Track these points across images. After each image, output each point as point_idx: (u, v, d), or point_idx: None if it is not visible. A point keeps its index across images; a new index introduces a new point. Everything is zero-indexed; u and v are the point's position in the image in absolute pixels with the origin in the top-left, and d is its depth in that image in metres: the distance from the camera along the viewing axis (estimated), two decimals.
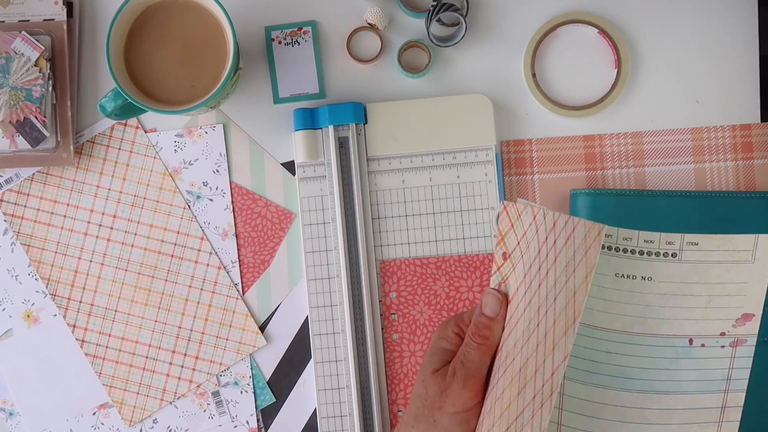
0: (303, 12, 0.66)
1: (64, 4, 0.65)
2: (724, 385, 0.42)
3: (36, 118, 0.63)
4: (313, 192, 0.65)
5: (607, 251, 0.40)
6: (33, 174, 0.66)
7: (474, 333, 0.46)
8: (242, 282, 0.66)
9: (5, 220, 0.66)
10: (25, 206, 0.66)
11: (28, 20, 0.65)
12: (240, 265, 0.66)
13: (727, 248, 0.40)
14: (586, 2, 0.66)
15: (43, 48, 0.63)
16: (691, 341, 0.41)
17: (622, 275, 0.40)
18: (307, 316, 0.65)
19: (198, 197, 0.66)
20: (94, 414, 0.66)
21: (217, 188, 0.66)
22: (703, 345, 0.41)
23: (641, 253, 0.40)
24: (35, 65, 0.63)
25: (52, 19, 0.65)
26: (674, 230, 0.64)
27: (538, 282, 0.41)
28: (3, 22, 0.65)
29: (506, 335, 0.44)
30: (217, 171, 0.66)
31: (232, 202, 0.66)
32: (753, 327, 0.41)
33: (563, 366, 0.37)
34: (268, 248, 0.66)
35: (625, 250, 0.40)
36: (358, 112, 0.64)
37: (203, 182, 0.66)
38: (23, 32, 0.63)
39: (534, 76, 0.65)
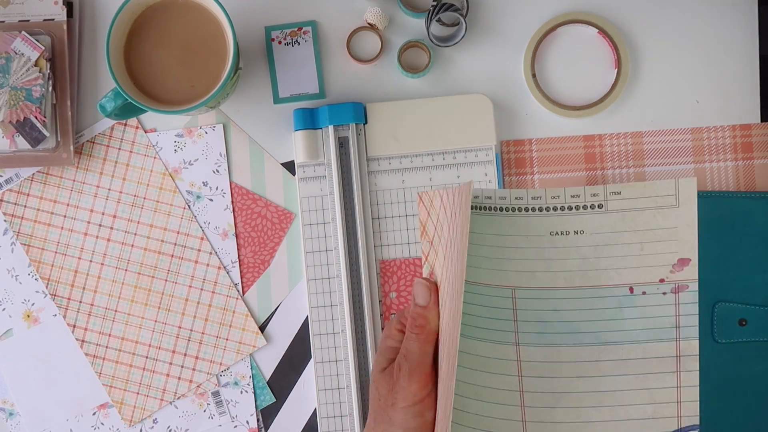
0: (303, 12, 0.66)
1: (64, 4, 0.65)
2: (674, 333, 0.42)
3: (36, 118, 0.63)
4: (313, 192, 0.65)
5: (539, 212, 0.42)
6: (33, 174, 0.66)
7: (411, 325, 0.46)
8: (242, 282, 0.66)
9: (5, 220, 0.66)
10: (25, 206, 0.66)
11: (28, 20, 0.65)
12: (240, 265, 0.66)
13: (650, 194, 0.42)
14: (586, 2, 0.66)
15: (43, 48, 0.63)
16: (631, 289, 0.42)
17: (556, 233, 0.42)
18: (307, 316, 0.65)
19: (198, 197, 0.66)
20: (94, 414, 0.66)
21: (217, 188, 0.66)
22: (644, 293, 0.42)
23: (569, 208, 0.42)
24: (35, 65, 0.63)
25: (52, 19, 0.65)
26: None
27: (450, 259, 0.42)
28: (3, 22, 0.65)
29: (442, 320, 0.44)
30: (217, 171, 0.66)
31: (232, 202, 0.66)
32: (691, 272, 0.41)
33: (458, 327, 0.39)
34: (268, 248, 0.66)
35: (555, 208, 0.42)
36: (358, 112, 0.64)
37: (203, 182, 0.66)
38: (23, 32, 0.63)
39: (534, 76, 0.65)
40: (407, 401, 0.45)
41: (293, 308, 0.66)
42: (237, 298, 0.65)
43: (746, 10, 0.65)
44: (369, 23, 0.65)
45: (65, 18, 0.65)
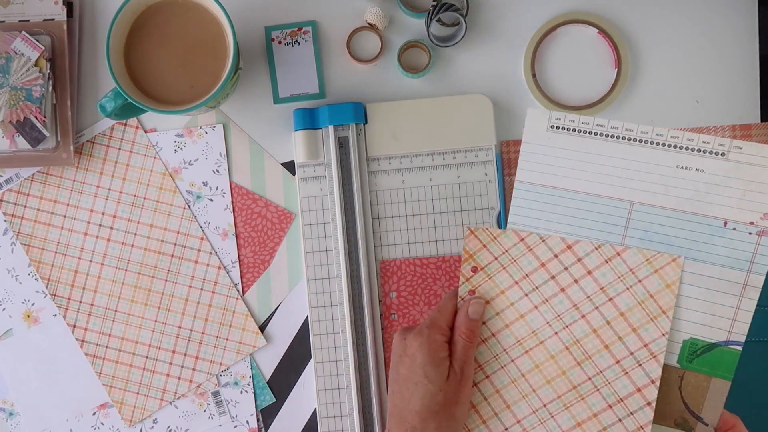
0: (303, 12, 0.66)
1: (64, 4, 0.65)
2: (748, 266, 0.52)
3: (36, 118, 0.63)
4: (313, 192, 0.65)
5: (672, 148, 0.53)
6: (33, 174, 0.66)
7: (467, 336, 0.54)
8: (242, 282, 0.66)
9: (5, 220, 0.66)
10: (25, 206, 0.66)
11: (28, 20, 0.65)
12: (240, 265, 0.66)
13: (765, 154, 0.52)
14: (586, 2, 0.66)
15: (43, 48, 0.63)
16: (725, 223, 0.53)
17: (682, 167, 0.53)
18: (307, 316, 0.65)
19: (198, 197, 0.66)
20: (94, 414, 0.66)
21: (217, 188, 0.66)
22: (734, 228, 0.52)
23: (698, 150, 0.53)
24: (35, 65, 0.63)
25: (52, 19, 0.65)
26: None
27: (555, 289, 0.55)
28: (3, 22, 0.65)
29: (495, 329, 0.57)
30: (217, 171, 0.66)
31: (232, 202, 0.66)
32: None
33: (665, 337, 0.53)
34: (268, 248, 0.66)
35: (686, 148, 0.53)
36: (358, 112, 0.64)
37: (203, 182, 0.66)
38: (23, 32, 0.63)
39: (534, 76, 0.65)
40: (469, 399, 0.55)
41: (293, 308, 0.66)
42: (237, 298, 0.65)
43: (746, 10, 0.65)
44: (369, 23, 0.65)
45: (65, 18, 0.65)
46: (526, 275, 0.55)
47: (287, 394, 0.65)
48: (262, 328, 0.66)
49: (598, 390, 0.54)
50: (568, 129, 0.55)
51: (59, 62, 0.64)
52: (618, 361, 0.53)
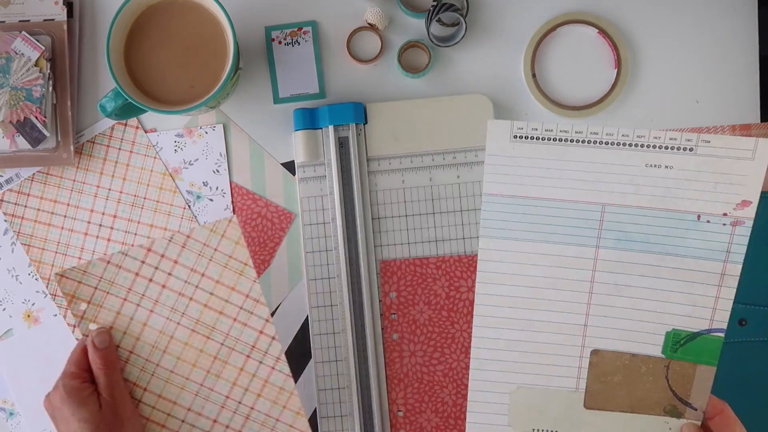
0: (303, 12, 0.66)
1: (64, 4, 0.65)
2: (724, 256, 0.53)
3: (36, 118, 0.63)
4: (313, 192, 0.65)
5: (639, 148, 0.53)
6: (33, 174, 0.66)
7: (104, 364, 0.57)
8: None
9: (5, 220, 0.66)
10: (25, 206, 0.66)
11: (28, 20, 0.65)
12: None
13: (732, 146, 0.52)
14: (586, 2, 0.66)
15: (43, 48, 0.63)
16: (699, 217, 0.53)
17: (651, 165, 0.53)
18: (307, 316, 0.65)
19: (198, 197, 0.66)
20: None
21: (217, 188, 0.66)
22: (708, 221, 0.53)
23: (666, 147, 0.53)
24: (35, 65, 0.63)
25: (52, 19, 0.65)
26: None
27: (158, 288, 0.59)
28: (3, 22, 0.65)
29: (130, 346, 0.60)
30: (217, 171, 0.66)
31: (232, 202, 0.66)
32: (750, 212, 0.52)
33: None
34: (268, 248, 0.66)
35: (654, 146, 0.53)
36: (358, 112, 0.64)
37: (203, 182, 0.66)
38: (23, 32, 0.63)
39: (534, 76, 0.65)
40: (132, 415, 0.58)
41: (293, 308, 0.66)
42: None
43: (746, 11, 0.65)
44: (369, 23, 0.65)
45: (65, 18, 0.65)
46: (129, 289, 0.60)
47: None
48: None
49: (232, 349, 0.60)
50: (532, 138, 0.54)
51: (59, 62, 0.64)
52: (235, 319, 0.60)
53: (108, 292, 0.60)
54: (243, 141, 0.66)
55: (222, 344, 0.60)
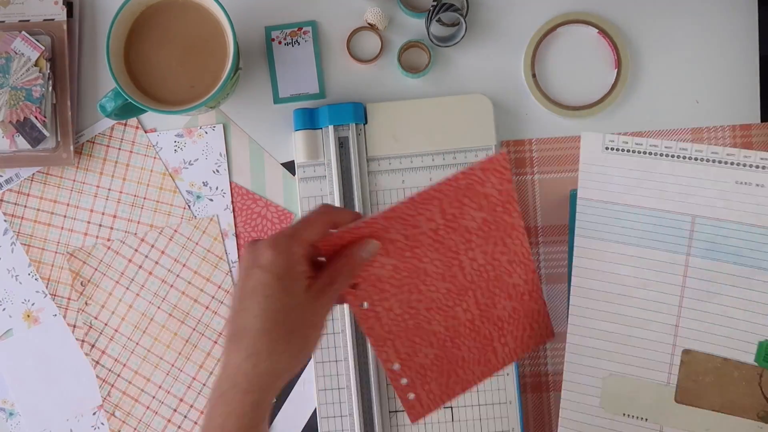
0: (303, 12, 0.66)
1: (64, 4, 0.65)
2: None
3: (36, 118, 0.63)
4: (313, 192, 0.65)
5: (730, 165, 0.56)
6: (33, 174, 0.66)
7: (351, 271, 0.48)
8: None
9: (5, 220, 0.66)
10: (25, 206, 0.66)
11: (28, 20, 0.65)
12: None
13: None
14: (586, 2, 0.66)
15: (43, 48, 0.63)
16: None
17: (742, 182, 0.56)
18: None
19: (198, 197, 0.66)
20: (94, 414, 0.66)
21: (217, 188, 0.66)
22: None
23: (756, 167, 0.56)
24: (35, 65, 0.63)
25: (52, 19, 0.65)
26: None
27: (146, 275, 0.64)
28: (3, 22, 0.65)
29: (115, 325, 0.65)
30: (217, 171, 0.66)
31: (232, 202, 0.66)
32: None
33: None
34: None
35: (744, 165, 0.56)
36: (358, 112, 0.64)
37: (203, 182, 0.66)
38: (23, 32, 0.63)
39: (534, 76, 0.65)
40: (324, 323, 0.48)
41: None
42: None
43: (746, 10, 0.65)
44: (369, 23, 0.65)
45: (65, 18, 0.65)
46: (122, 273, 0.65)
47: (287, 394, 0.65)
48: None
49: (202, 335, 0.65)
50: (623, 150, 0.58)
51: (59, 62, 0.64)
52: (207, 307, 0.65)
53: (105, 274, 0.65)
54: (243, 141, 0.66)
55: (194, 329, 0.65)
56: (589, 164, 0.59)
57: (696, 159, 0.57)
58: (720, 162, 0.56)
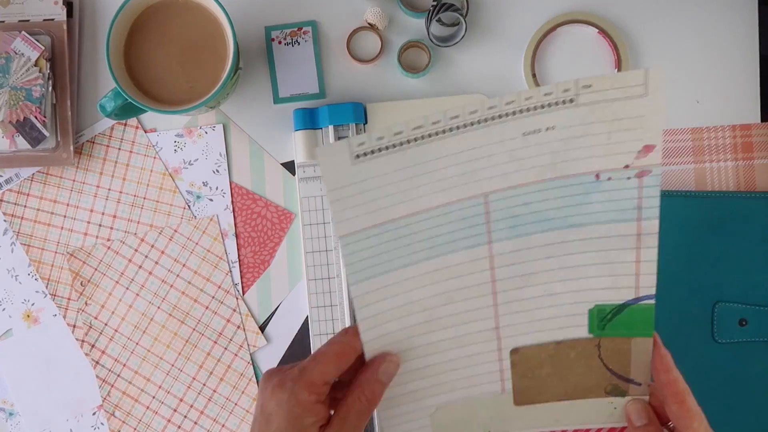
0: (303, 12, 0.66)
1: (64, 4, 0.65)
2: (636, 213, 0.46)
3: (36, 118, 0.63)
4: (313, 192, 0.65)
5: (513, 116, 0.44)
6: (33, 174, 0.66)
7: (370, 398, 0.45)
8: (242, 282, 0.66)
9: (5, 220, 0.66)
10: (25, 206, 0.66)
11: (28, 20, 0.65)
12: (240, 265, 0.66)
13: (619, 85, 0.44)
14: (586, 2, 0.66)
15: (43, 48, 0.63)
16: (597, 176, 0.45)
17: (529, 132, 0.45)
18: (307, 316, 0.65)
19: (198, 197, 0.66)
20: (94, 414, 0.66)
21: (217, 188, 0.66)
22: (609, 178, 0.45)
23: (542, 106, 0.44)
24: (35, 65, 0.63)
25: (52, 19, 0.65)
26: (675, 231, 0.64)
27: (145, 275, 0.65)
28: (3, 22, 0.65)
29: (115, 325, 0.66)
30: (217, 171, 0.66)
31: (232, 202, 0.66)
32: (656, 157, 0.44)
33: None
34: (268, 248, 0.66)
35: (528, 109, 0.44)
36: (358, 112, 0.64)
37: (203, 182, 0.66)
38: (23, 32, 0.63)
39: (534, 76, 0.65)
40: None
41: (293, 308, 0.66)
42: (236, 297, 0.65)
43: (746, 10, 0.65)
44: (369, 23, 0.65)
45: (65, 18, 0.65)
46: (122, 273, 0.65)
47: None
48: (262, 328, 0.66)
49: (202, 335, 0.65)
50: (379, 150, 0.45)
51: (59, 62, 0.64)
52: (207, 307, 0.65)
53: (105, 274, 0.65)
54: (243, 141, 0.66)
55: (194, 329, 0.65)
56: (338, 189, 0.45)
57: (473, 123, 0.45)
58: (501, 116, 0.44)
